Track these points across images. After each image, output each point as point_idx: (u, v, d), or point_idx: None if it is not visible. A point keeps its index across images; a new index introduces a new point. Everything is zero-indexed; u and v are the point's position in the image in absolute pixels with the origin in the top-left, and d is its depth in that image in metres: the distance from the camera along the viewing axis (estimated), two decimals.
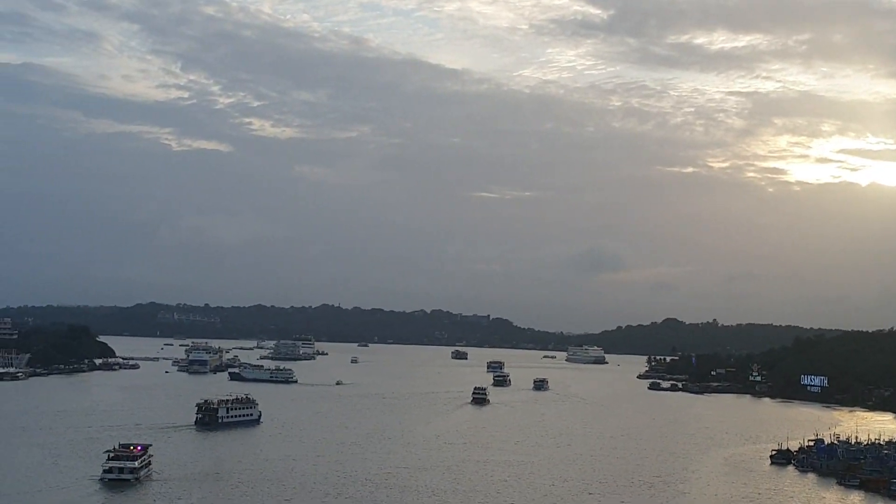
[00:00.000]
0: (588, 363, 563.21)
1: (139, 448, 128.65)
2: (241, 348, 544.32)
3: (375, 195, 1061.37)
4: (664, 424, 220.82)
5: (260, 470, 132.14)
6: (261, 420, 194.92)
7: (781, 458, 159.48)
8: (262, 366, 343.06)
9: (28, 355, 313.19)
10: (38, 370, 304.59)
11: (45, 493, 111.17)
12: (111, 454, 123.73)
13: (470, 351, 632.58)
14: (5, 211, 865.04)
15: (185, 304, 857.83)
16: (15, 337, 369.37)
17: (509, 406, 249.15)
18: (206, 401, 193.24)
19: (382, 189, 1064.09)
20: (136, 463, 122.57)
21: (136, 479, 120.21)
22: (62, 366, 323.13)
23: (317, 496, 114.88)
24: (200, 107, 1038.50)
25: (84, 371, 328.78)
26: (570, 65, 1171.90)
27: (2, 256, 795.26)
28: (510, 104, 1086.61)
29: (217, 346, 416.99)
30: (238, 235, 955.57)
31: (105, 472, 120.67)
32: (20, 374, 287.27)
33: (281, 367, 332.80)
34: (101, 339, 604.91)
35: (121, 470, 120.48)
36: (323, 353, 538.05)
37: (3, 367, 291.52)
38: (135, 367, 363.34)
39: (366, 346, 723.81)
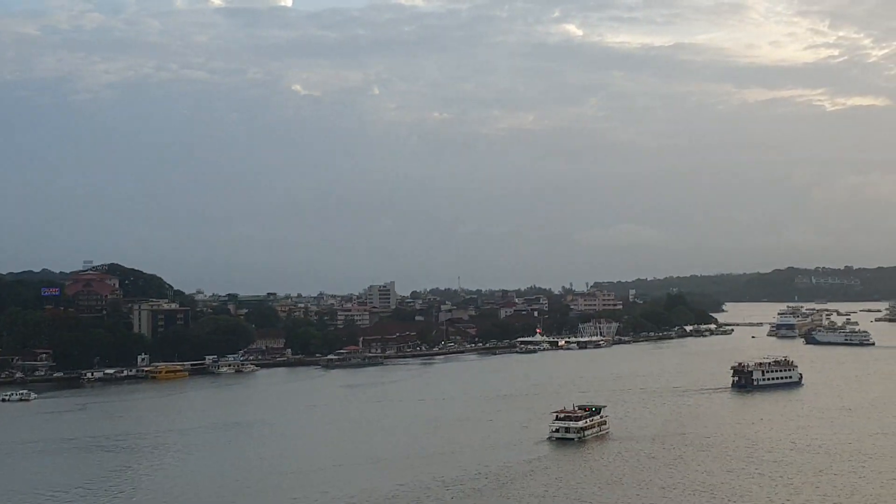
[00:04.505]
0: None
1: (593, 409, 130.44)
2: (869, 310, 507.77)
3: None
4: None
5: (727, 434, 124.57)
6: (802, 382, 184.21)
7: None
8: (836, 329, 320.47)
9: (617, 324, 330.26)
10: (623, 338, 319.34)
11: (494, 450, 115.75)
12: (558, 415, 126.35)
13: None
14: (670, 186, 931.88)
15: (823, 268, 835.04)
16: (619, 307, 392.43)
17: None
18: (740, 364, 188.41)
19: None
20: (581, 423, 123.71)
21: (580, 438, 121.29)
22: (651, 333, 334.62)
23: (743, 461, 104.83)
24: (852, 62, 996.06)
25: (671, 338, 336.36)
26: None
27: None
28: None
29: (813, 309, 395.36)
30: None
31: (552, 432, 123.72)
32: (602, 342, 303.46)
33: (857, 330, 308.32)
34: (729, 305, 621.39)
35: (566, 430, 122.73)
36: None
37: (590, 336, 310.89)
38: (727, 332, 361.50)
39: None
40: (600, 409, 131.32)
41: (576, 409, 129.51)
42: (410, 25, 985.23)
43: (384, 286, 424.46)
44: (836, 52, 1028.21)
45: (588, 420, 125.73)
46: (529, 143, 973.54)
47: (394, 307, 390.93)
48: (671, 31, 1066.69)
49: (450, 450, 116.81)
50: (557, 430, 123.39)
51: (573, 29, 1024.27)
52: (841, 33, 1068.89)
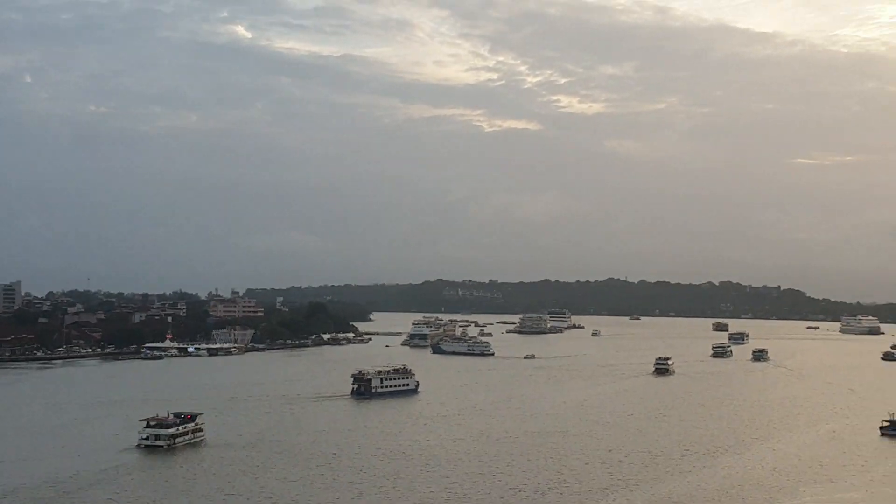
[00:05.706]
0: (862, 333, 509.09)
1: (188, 416, 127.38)
2: (503, 322, 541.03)
3: (686, 166, 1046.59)
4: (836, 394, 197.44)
5: (321, 440, 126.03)
6: (418, 390, 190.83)
7: None
8: (463, 339, 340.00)
9: (252, 332, 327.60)
10: (257, 346, 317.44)
11: (72, 458, 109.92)
12: (149, 423, 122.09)
13: (746, 323, 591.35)
14: (334, 195, 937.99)
15: (470, 281, 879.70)
16: (260, 314, 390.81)
17: (689, 377, 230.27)
18: (360, 372, 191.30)
19: (694, 160, 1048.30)
20: (172, 430, 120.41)
21: (170, 445, 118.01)
22: (287, 341, 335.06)
23: (322, 467, 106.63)
24: (509, 87, 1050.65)
25: (308, 346, 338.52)
26: (893, 20, 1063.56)
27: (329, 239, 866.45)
28: (826, 65, 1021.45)
29: (447, 320, 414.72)
30: (543, 212, 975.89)
31: (142, 439, 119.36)
32: (234, 349, 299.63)
33: (479, 341, 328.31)
34: (377, 315, 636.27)
35: (156, 437, 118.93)
36: (578, 327, 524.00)
37: (223, 343, 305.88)
38: (364, 341, 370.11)
39: (637, 319, 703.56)
40: (196, 416, 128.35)
41: (170, 415, 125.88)
42: (68, 13, 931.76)
43: (9, 285, 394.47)
44: (494, 76, 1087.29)
45: (181, 427, 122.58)
46: (192, 143, 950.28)
47: (18, 308, 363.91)
48: (340, 41, 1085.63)
49: (23, 457, 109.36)
50: (147, 438, 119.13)
51: (241, 31, 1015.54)
52: (500, 58, 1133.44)
